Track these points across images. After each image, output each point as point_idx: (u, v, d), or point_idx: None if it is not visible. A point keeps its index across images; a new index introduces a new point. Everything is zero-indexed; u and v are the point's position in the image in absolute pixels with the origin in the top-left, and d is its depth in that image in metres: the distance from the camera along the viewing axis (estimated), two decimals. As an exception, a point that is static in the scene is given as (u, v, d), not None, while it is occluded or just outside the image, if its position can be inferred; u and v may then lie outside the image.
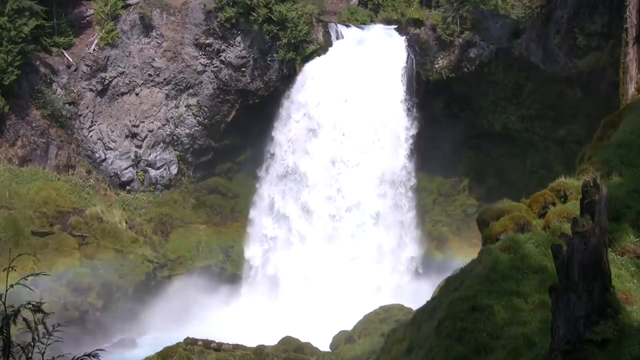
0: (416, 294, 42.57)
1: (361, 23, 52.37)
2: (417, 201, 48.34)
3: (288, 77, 49.35)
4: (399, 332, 20.67)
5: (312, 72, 47.95)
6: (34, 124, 48.31)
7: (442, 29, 47.54)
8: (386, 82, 47.11)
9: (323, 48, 48.92)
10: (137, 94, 51.12)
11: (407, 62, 47.78)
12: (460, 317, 14.87)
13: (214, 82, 51.00)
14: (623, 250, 14.39)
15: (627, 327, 10.72)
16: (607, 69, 37.16)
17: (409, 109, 47.32)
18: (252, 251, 49.28)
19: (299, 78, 48.30)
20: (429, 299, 20.71)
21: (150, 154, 51.60)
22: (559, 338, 10.57)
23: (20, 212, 44.29)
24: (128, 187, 51.40)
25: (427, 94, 48.56)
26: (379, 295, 41.63)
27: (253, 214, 49.89)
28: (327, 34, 49.64)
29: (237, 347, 34.57)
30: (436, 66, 48.05)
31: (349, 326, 35.71)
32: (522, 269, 15.36)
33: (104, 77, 50.45)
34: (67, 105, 49.67)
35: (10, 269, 7.34)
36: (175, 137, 51.75)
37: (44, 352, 6.92)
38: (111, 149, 50.92)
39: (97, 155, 50.78)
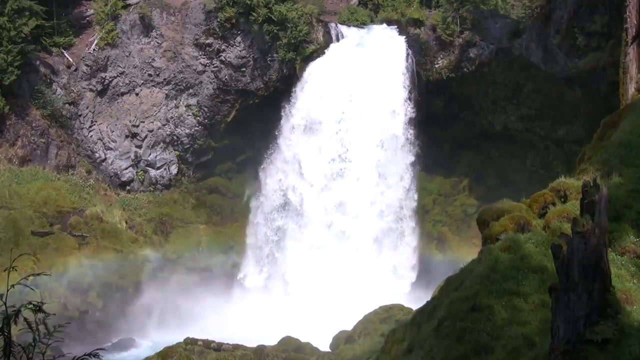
0: (416, 294, 42.66)
1: (361, 23, 52.33)
2: (417, 201, 48.33)
3: (288, 77, 49.36)
4: (399, 332, 20.65)
5: (312, 73, 47.93)
6: (34, 124, 48.30)
7: (442, 29, 47.52)
8: (386, 82, 47.09)
9: (323, 48, 48.91)
10: (137, 94, 51.13)
11: (407, 62, 47.75)
12: (460, 317, 14.87)
13: (214, 82, 51.01)
14: (623, 250, 14.38)
15: (627, 327, 10.72)
16: (607, 69, 37.11)
17: (409, 109, 47.28)
18: (252, 250, 49.27)
19: (300, 78, 48.28)
20: (428, 299, 20.70)
21: (150, 154, 51.61)
22: (559, 338, 10.58)
23: (20, 212, 44.31)
24: (128, 187, 51.41)
25: (427, 94, 48.53)
26: (378, 295, 41.57)
27: (253, 213, 49.89)
28: (327, 34, 49.62)
29: (237, 347, 34.62)
30: (436, 66, 48.03)
31: (349, 326, 35.72)
32: (522, 269, 15.35)
33: (104, 77, 50.46)
34: (67, 105, 49.68)
35: (11, 269, 7.34)
36: (175, 137, 51.76)
37: (44, 352, 6.92)
38: (111, 149, 50.93)
39: (97, 155, 50.78)
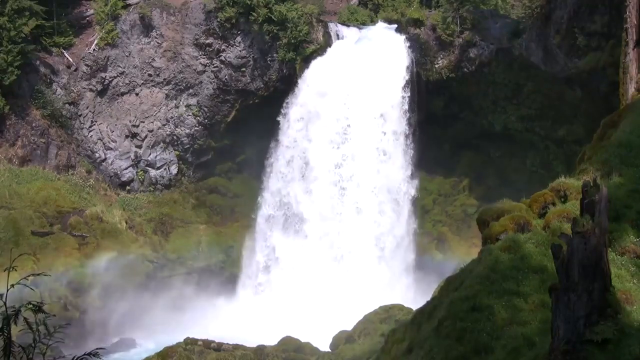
0: (416, 293, 42.64)
1: (361, 23, 52.34)
2: (417, 200, 48.31)
3: (288, 77, 49.34)
4: (399, 332, 20.64)
5: (312, 73, 47.87)
6: (34, 124, 48.30)
7: (442, 29, 47.50)
8: (386, 82, 47.04)
9: (323, 48, 48.89)
10: (137, 94, 51.13)
11: (407, 62, 47.71)
12: (460, 317, 14.87)
13: (214, 82, 51.00)
14: (623, 250, 14.38)
15: (627, 327, 10.72)
16: (607, 69, 37.11)
17: (408, 109, 47.23)
18: (252, 251, 49.23)
19: (300, 78, 48.23)
20: (428, 299, 20.70)
21: (150, 154, 51.61)
22: (559, 338, 10.58)
23: (20, 212, 44.31)
24: (128, 187, 51.40)
25: (427, 94, 48.52)
26: (378, 295, 41.53)
27: (253, 214, 49.82)
28: (327, 34, 49.61)
29: (237, 347, 34.61)
30: (436, 66, 48.01)
31: (349, 326, 35.71)
32: (522, 269, 15.35)
33: (104, 77, 50.46)
34: (67, 105, 49.68)
35: (11, 269, 7.34)
36: (175, 137, 51.76)
37: (44, 353, 6.92)
38: (111, 149, 50.93)
39: (97, 155, 50.78)
